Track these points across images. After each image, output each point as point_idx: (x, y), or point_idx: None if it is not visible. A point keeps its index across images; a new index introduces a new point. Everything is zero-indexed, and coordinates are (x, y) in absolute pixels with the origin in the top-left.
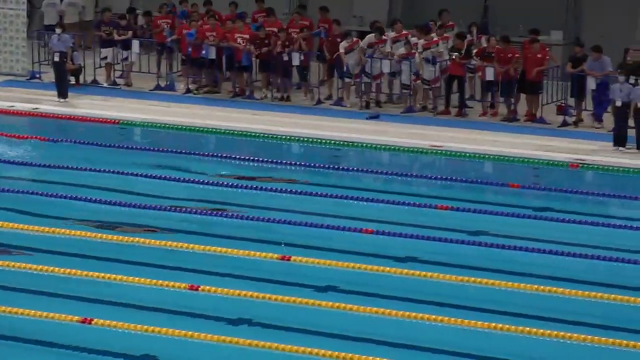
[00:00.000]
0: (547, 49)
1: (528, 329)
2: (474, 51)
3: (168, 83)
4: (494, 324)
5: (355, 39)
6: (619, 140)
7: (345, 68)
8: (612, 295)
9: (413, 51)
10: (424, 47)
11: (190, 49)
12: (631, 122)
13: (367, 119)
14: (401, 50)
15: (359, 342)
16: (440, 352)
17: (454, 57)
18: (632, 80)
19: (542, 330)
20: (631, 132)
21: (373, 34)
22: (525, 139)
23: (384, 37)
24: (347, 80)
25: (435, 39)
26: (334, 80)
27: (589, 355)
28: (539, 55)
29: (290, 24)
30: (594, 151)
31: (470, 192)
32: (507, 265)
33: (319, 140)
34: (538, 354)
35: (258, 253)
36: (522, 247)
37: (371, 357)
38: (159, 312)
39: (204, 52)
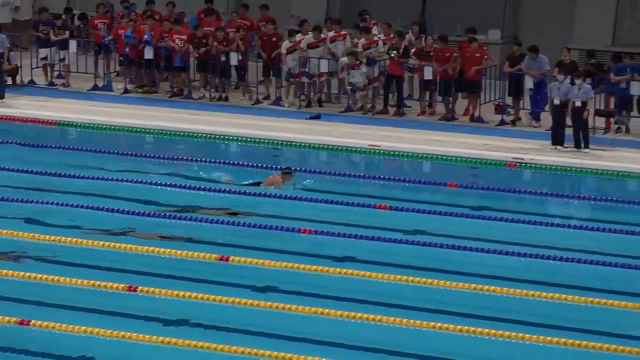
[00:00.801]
0: (485, 48)
1: (467, 327)
2: (412, 50)
3: (106, 83)
4: (432, 323)
5: (298, 39)
6: (557, 139)
7: (287, 68)
8: (550, 294)
9: (358, 62)
10: (364, 47)
11: (127, 50)
12: (569, 121)
13: (308, 118)
14: (344, 59)
15: (298, 342)
16: (380, 351)
17: (392, 55)
18: (568, 79)
19: (480, 329)
20: (569, 131)
21: (312, 34)
22: (464, 138)
23: (322, 36)
24: (287, 79)
25: (375, 38)
26: (272, 79)
27: (529, 354)
28: (477, 55)
29: (229, 23)
30: (532, 150)
31: (409, 191)
32: (446, 264)
33: (258, 140)
34: (478, 353)
35: (197, 253)
36: (460, 246)
37: (310, 357)
38: (96, 313)
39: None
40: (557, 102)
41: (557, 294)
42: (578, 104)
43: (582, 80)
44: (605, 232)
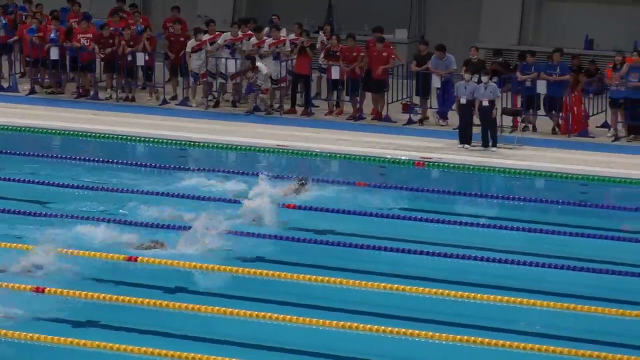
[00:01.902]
0: (392, 47)
1: (376, 327)
2: (322, 50)
3: (11, 84)
4: (342, 322)
5: (204, 38)
6: (464, 138)
7: (191, 68)
8: (460, 293)
9: (254, 66)
10: (270, 47)
11: (31, 50)
12: (476, 120)
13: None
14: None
15: (206, 342)
16: (287, 351)
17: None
18: (475, 78)
19: (390, 328)
20: (477, 130)
21: (229, 32)
22: (371, 137)
23: (240, 34)
24: (193, 80)
25: (283, 37)
26: (179, 80)
27: (437, 353)
28: (384, 54)
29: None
30: (440, 149)
31: (317, 190)
32: (354, 263)
33: (164, 141)
34: (387, 352)
35: (104, 254)
36: (368, 245)
37: (220, 357)
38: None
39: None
40: (463, 101)
41: (465, 293)
42: (485, 103)
43: (489, 79)
44: (513, 231)
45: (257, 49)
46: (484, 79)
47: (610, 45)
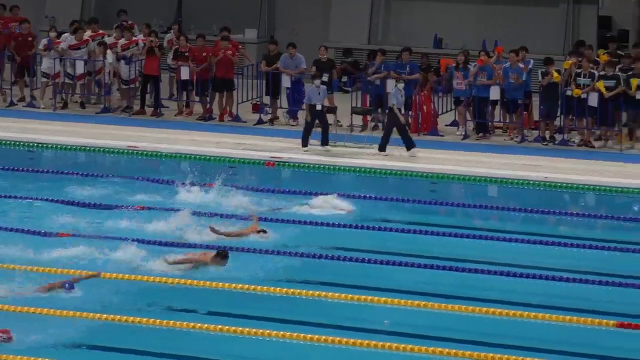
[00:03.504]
0: (241, 47)
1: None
2: (171, 50)
3: None
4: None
5: (57, 40)
6: (305, 140)
7: (42, 69)
8: (311, 292)
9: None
10: (122, 48)
11: None
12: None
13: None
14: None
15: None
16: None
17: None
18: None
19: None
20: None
21: (74, 35)
22: (222, 137)
23: (85, 37)
24: (43, 80)
25: (135, 38)
26: (25, 81)
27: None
28: (231, 54)
29: None
30: (289, 149)
31: (164, 191)
32: None
33: (12, 143)
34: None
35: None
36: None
37: None
38: None
39: None
40: (319, 107)
41: (317, 291)
42: (319, 107)
43: (320, 81)
44: (363, 230)
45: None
46: (316, 81)
47: (459, 44)
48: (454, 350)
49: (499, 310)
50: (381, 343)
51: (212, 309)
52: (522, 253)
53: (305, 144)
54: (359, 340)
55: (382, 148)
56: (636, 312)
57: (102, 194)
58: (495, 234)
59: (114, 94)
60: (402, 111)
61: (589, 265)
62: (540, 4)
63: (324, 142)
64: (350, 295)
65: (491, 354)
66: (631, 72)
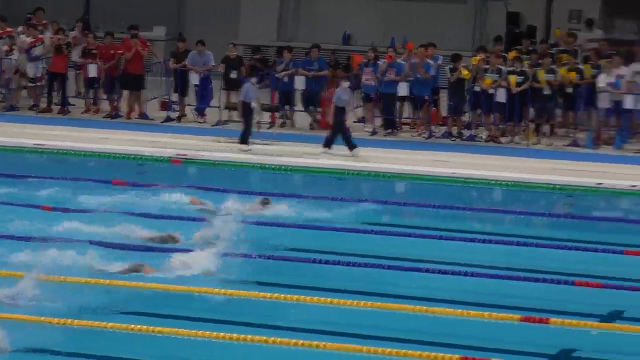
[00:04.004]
0: (150, 44)
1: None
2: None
3: None
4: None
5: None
6: (244, 138)
7: None
8: (222, 290)
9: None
10: (30, 45)
11: None
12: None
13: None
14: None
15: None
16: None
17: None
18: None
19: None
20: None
21: None
22: (130, 135)
23: None
24: None
25: (41, 36)
26: None
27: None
28: (140, 51)
29: None
30: (198, 146)
31: (70, 189)
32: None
33: None
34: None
35: None
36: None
37: None
38: None
39: None
40: (254, 105)
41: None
42: (253, 105)
43: (256, 79)
44: (274, 227)
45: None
46: (253, 80)
47: (368, 41)
48: (365, 347)
49: (408, 305)
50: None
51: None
52: (431, 249)
53: (245, 142)
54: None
55: (333, 144)
56: (541, 306)
57: (6, 192)
58: (404, 230)
59: (17, 90)
60: (346, 110)
61: (495, 259)
62: (449, 0)
63: (244, 140)
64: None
65: (403, 350)
66: (539, 68)
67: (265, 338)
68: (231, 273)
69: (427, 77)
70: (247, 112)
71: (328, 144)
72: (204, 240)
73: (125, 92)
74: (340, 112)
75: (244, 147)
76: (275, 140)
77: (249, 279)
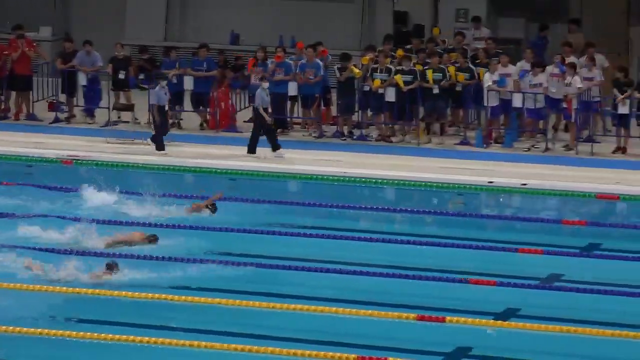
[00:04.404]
0: (36, 44)
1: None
2: None
3: None
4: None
5: None
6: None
7: None
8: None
9: None
10: None
11: None
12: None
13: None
14: None
15: None
16: None
17: None
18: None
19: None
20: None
21: None
22: (18, 137)
23: None
24: None
25: None
26: None
27: None
28: (27, 52)
29: None
30: (87, 146)
31: None
32: None
33: None
34: None
35: None
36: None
37: None
38: None
39: None
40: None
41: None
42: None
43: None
44: (160, 227)
45: None
46: (163, 83)
47: (256, 40)
48: (248, 347)
49: (303, 305)
50: None
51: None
52: (321, 248)
53: (162, 147)
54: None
55: (251, 150)
56: (436, 305)
57: None
58: (295, 230)
59: None
60: (269, 111)
61: (388, 259)
62: None
63: (159, 146)
64: None
65: (300, 350)
66: (428, 67)
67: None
68: None
69: (317, 78)
70: (161, 115)
71: (252, 149)
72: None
73: (13, 93)
74: (260, 113)
75: (160, 152)
76: (175, 142)
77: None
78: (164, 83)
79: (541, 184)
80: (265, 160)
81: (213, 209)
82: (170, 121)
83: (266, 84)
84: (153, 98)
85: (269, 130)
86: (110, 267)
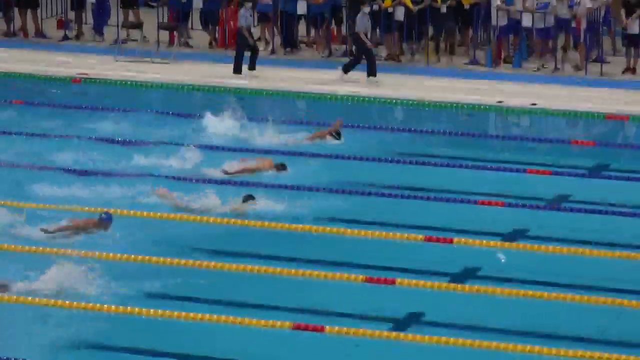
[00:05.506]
0: None
1: None
2: None
3: None
4: None
5: None
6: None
7: None
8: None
9: None
10: None
11: None
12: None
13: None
14: None
15: None
16: None
17: None
18: None
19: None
20: None
21: None
22: (28, 54)
23: None
24: None
25: None
26: None
27: None
28: None
29: None
30: (96, 65)
31: None
32: None
33: None
34: None
35: None
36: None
37: None
38: None
39: None
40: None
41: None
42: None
43: None
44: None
45: None
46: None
47: None
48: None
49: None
50: None
51: None
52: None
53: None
54: None
55: (346, 70)
56: (444, 226)
57: None
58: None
59: None
60: (368, 36)
61: (395, 179)
62: None
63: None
64: None
65: (302, 270)
66: None
67: None
68: None
69: None
70: (246, 37)
71: (347, 69)
72: None
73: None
74: (361, 38)
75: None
76: (174, 59)
77: None
78: (249, 5)
79: (550, 103)
80: (272, 79)
81: (338, 135)
82: (182, 39)
83: (367, 8)
84: (242, 20)
85: (369, 55)
86: (247, 199)
